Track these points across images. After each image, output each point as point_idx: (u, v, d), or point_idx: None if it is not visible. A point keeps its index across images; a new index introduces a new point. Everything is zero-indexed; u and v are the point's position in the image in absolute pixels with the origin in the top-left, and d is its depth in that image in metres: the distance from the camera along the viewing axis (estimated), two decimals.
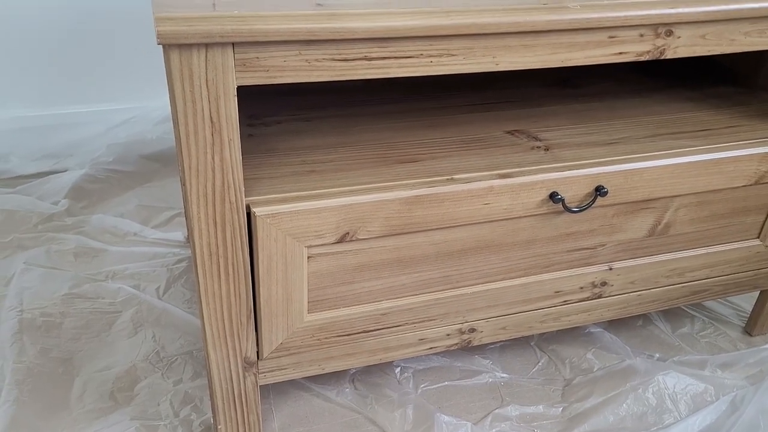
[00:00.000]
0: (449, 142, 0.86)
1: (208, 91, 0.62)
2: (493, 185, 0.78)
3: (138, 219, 1.28)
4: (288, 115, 0.89)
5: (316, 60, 0.64)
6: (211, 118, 0.64)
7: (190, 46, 0.59)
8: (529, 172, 0.80)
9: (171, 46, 0.59)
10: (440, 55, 0.68)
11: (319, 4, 0.63)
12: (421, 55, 0.67)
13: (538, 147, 0.85)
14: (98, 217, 1.27)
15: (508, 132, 0.89)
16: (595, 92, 1.01)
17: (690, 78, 1.09)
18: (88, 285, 1.11)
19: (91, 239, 1.22)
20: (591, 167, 0.82)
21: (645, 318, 1.14)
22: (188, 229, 0.71)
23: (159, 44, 0.58)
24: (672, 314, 1.15)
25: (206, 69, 0.61)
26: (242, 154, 0.80)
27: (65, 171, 1.39)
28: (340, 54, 0.65)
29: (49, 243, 1.21)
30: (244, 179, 0.75)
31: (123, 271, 1.16)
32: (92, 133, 1.43)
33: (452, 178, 0.78)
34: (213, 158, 0.66)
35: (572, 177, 0.81)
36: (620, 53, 0.74)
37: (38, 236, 1.22)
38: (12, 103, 1.42)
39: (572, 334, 1.10)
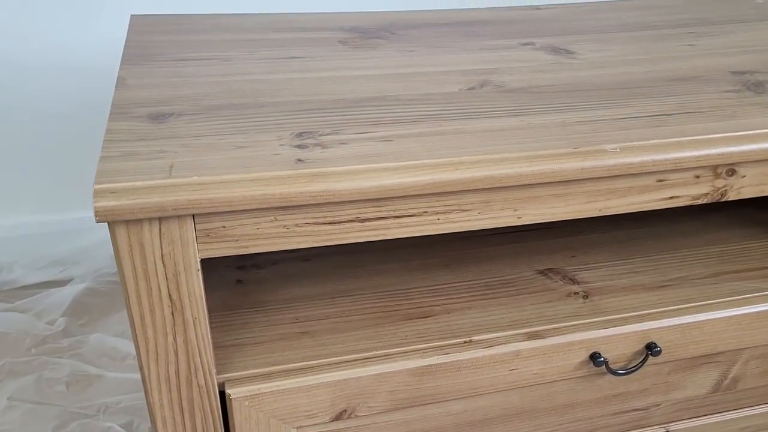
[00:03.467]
0: (468, 287, 0.73)
1: (164, 267, 0.52)
2: (520, 349, 0.65)
3: None
4: (285, 253, 0.79)
5: (297, 225, 0.53)
6: (170, 296, 0.53)
7: (139, 220, 0.49)
8: (564, 330, 0.67)
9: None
10: (449, 212, 0.56)
11: (299, 160, 0.52)
12: (426, 212, 0.56)
13: (576, 293, 0.72)
14: (97, 337, 1.17)
15: (540, 272, 0.76)
16: (643, 216, 0.88)
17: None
18: (75, 423, 1.01)
19: (87, 363, 1.13)
20: (640, 321, 0.69)
21: None
22: (150, 416, 0.60)
23: (99, 222, 0.48)
24: None
25: (161, 243, 0.51)
26: (226, 310, 0.69)
27: (69, 281, 1.31)
28: (325, 217, 0.54)
29: (42, 369, 1.11)
30: (223, 346, 0.64)
31: (116, 405, 1.05)
32: (98, 239, 1.35)
33: (470, 341, 0.65)
34: (175, 339, 0.55)
35: (617, 335, 0.68)
36: (671, 198, 0.61)
37: (31, 361, 1.13)
38: (16, 209, 1.36)
39: None
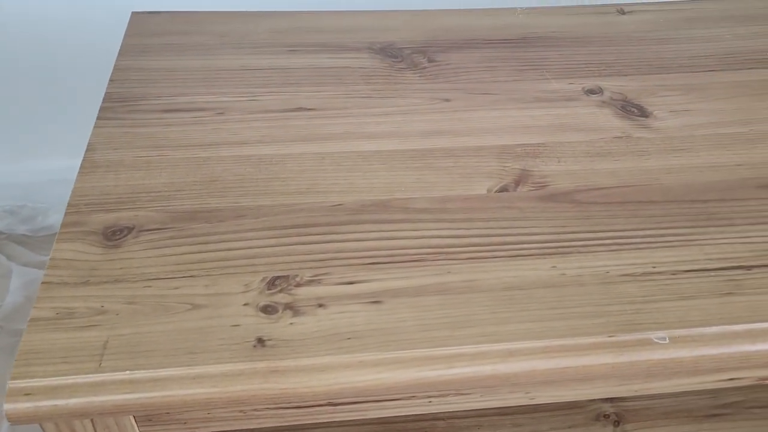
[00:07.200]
0: None
1: None
2: None
3: None
4: None
5: (255, 410, 0.45)
6: None
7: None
8: None
9: None
10: (444, 395, 0.47)
11: (260, 341, 0.43)
12: (414, 397, 0.46)
13: (606, 416, 0.62)
14: None
15: None
16: None
17: None
18: None
19: None
20: None
21: None
22: None
23: (12, 424, 0.41)
24: None
25: (94, 428, 0.44)
26: None
27: None
28: (289, 403, 0.45)
29: None
30: None
31: None
32: None
33: None
34: None
35: None
36: (731, 379, 0.49)
37: None
38: (51, 152, 1.32)
39: None
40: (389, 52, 0.72)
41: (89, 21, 1.19)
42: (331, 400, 0.45)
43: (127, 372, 0.41)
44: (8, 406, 0.40)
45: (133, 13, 0.74)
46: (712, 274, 0.48)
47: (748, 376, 0.48)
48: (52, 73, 1.26)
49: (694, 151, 0.59)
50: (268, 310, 0.45)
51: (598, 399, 0.65)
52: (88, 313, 0.44)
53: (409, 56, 0.71)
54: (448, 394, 0.46)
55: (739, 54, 0.73)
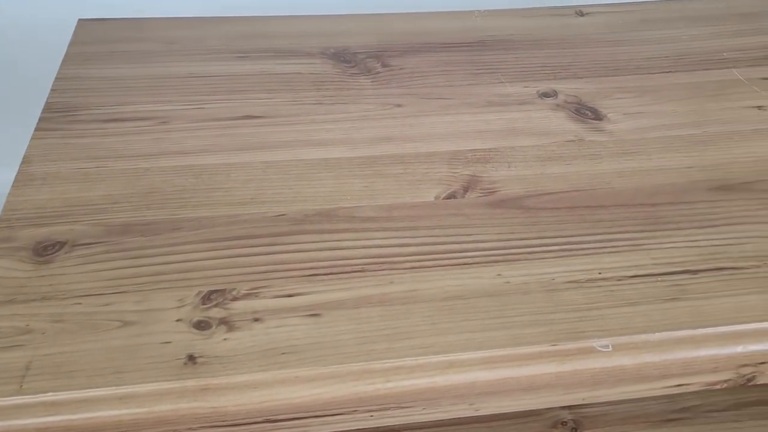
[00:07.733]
0: None
1: None
2: None
3: None
4: None
5: (189, 429, 0.44)
6: None
7: None
8: None
9: None
10: (385, 409, 0.45)
11: (191, 358, 0.41)
12: (356, 411, 0.45)
13: (564, 423, 0.62)
14: None
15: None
16: None
17: None
18: None
19: None
20: None
21: None
22: None
23: None
24: None
25: None
26: None
27: None
28: (224, 421, 0.44)
29: None
30: None
31: None
32: None
33: None
34: None
35: None
36: (679, 385, 0.48)
37: None
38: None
39: None
40: (342, 57, 0.71)
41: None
42: (268, 418, 0.44)
43: (50, 393, 0.39)
44: None
45: (79, 20, 0.72)
46: (658, 279, 0.47)
47: (695, 382, 0.47)
48: (18, 81, 1.25)
49: (646, 154, 0.59)
50: (201, 325, 0.43)
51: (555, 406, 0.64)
52: (12, 333, 0.42)
53: (362, 61, 0.70)
54: (388, 408, 0.45)
55: (694, 55, 0.72)
